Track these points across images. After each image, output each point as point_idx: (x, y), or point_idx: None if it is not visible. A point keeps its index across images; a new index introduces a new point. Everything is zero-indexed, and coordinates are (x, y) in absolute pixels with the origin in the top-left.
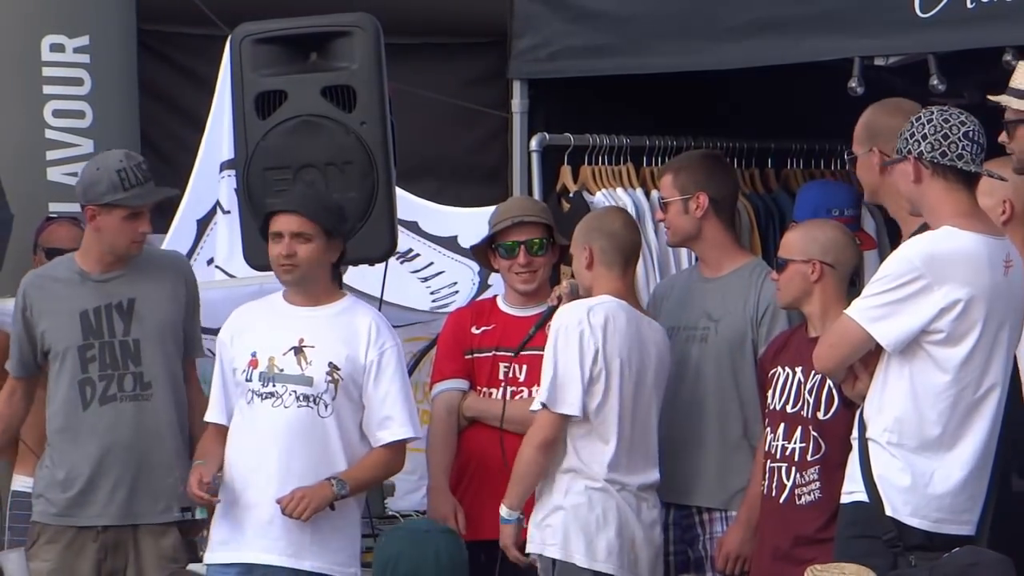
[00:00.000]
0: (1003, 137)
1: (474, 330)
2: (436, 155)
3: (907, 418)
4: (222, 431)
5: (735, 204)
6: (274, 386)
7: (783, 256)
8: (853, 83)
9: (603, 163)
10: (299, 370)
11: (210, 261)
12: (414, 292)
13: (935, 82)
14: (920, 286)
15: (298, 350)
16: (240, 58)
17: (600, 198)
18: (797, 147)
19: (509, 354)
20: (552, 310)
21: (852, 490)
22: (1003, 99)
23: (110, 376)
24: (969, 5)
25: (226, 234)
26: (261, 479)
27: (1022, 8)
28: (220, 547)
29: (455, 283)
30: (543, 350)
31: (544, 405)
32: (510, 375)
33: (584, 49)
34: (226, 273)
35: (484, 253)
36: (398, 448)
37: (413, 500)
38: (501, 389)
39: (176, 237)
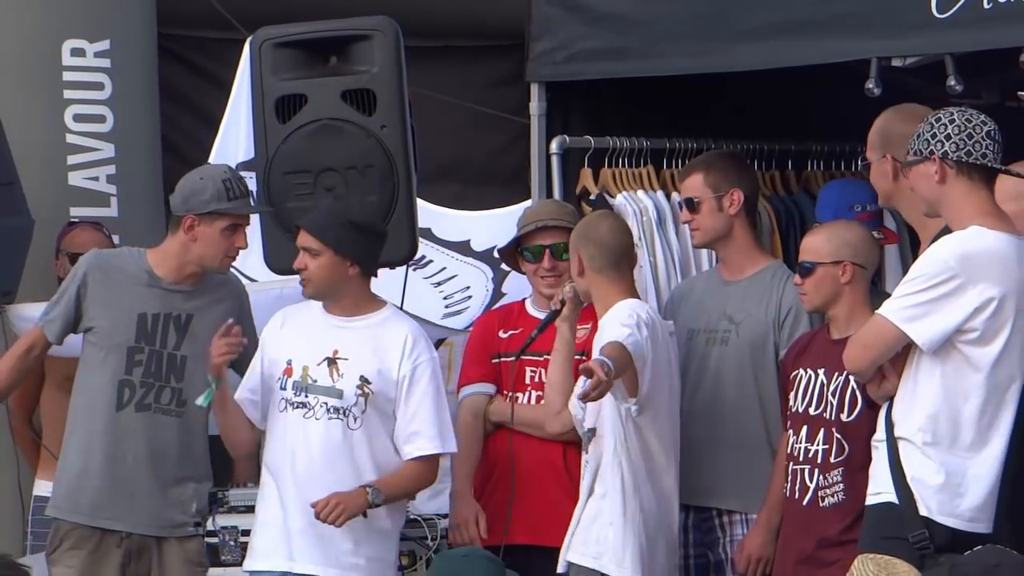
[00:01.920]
0: None
1: (501, 334)
2: (458, 158)
3: (941, 417)
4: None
5: (757, 205)
6: (306, 396)
7: (810, 260)
8: (870, 84)
9: (623, 165)
10: (330, 382)
11: None
12: (427, 299)
13: (952, 83)
14: (955, 285)
15: (331, 361)
16: (260, 62)
17: (621, 200)
18: (817, 149)
19: (536, 358)
20: (555, 314)
21: (880, 491)
22: None
23: (151, 385)
24: (986, 5)
25: None
26: (293, 489)
27: None
28: (257, 556)
29: (468, 287)
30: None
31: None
32: (536, 379)
33: (601, 51)
34: (240, 273)
35: (512, 256)
36: (429, 462)
37: (437, 503)
38: (527, 393)
39: None
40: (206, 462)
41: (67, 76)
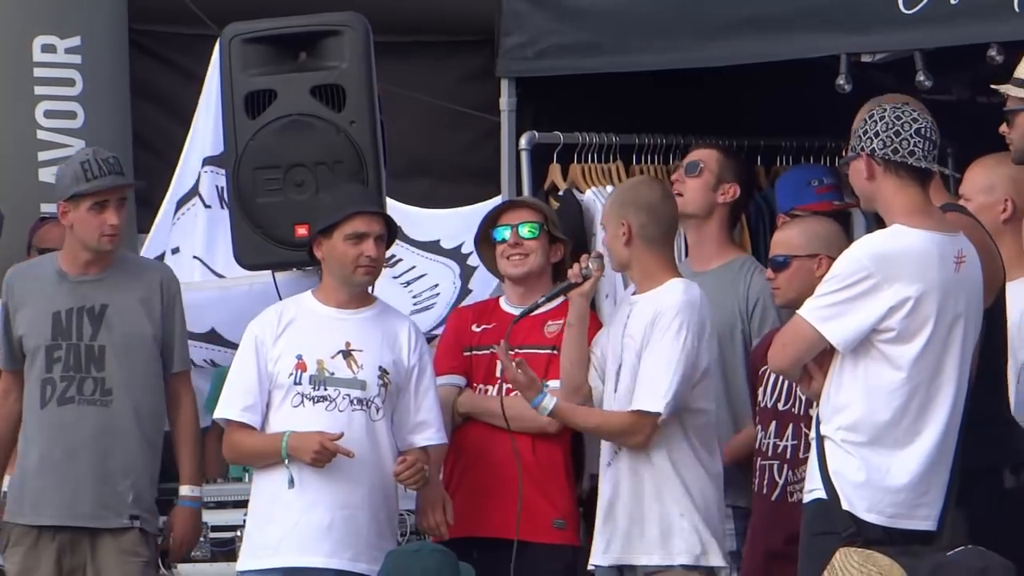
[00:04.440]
0: (1004, 127)
1: (475, 328)
2: (429, 154)
3: (861, 415)
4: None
5: (740, 215)
6: (326, 389)
7: (784, 253)
8: (840, 80)
9: (592, 161)
10: (351, 374)
11: (176, 250)
12: (395, 298)
13: (921, 78)
14: (869, 285)
15: (346, 354)
16: (229, 58)
17: (590, 196)
18: (787, 144)
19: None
20: (571, 286)
21: (812, 488)
22: (1005, 88)
23: (71, 378)
24: (953, 1)
25: (204, 227)
26: (321, 483)
27: (1006, 4)
28: (265, 552)
29: (436, 285)
30: (539, 349)
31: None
32: None
33: (572, 47)
34: (207, 266)
35: (484, 247)
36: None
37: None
38: (497, 386)
39: (158, 231)
40: (149, 454)
41: (38, 72)
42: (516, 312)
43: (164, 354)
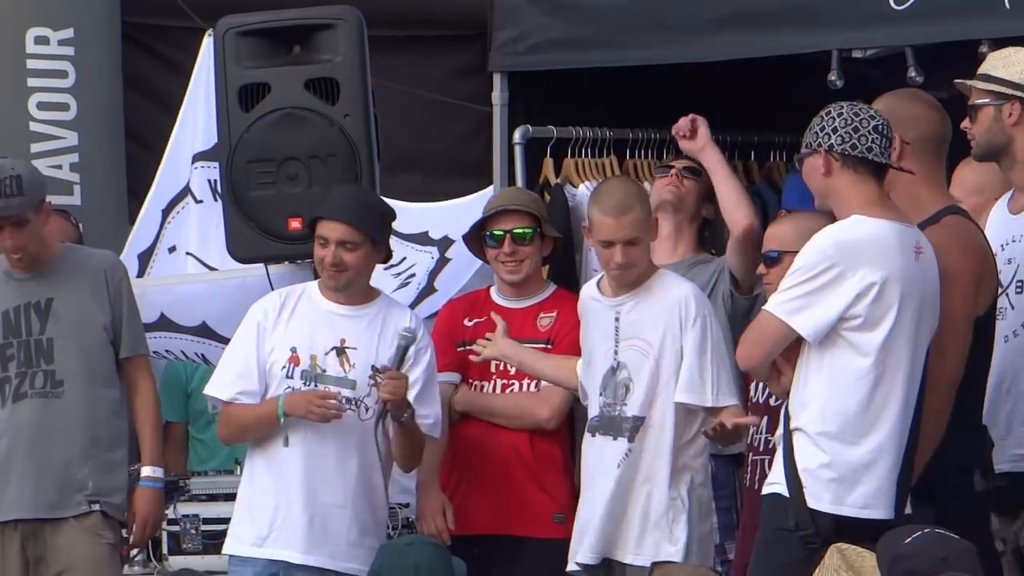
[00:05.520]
0: (965, 123)
1: (467, 322)
2: (420, 148)
3: (830, 406)
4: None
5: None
6: (316, 387)
7: (776, 249)
8: (832, 76)
9: (586, 155)
10: (342, 372)
11: (172, 249)
12: (381, 280)
13: (913, 74)
14: (834, 274)
15: (340, 351)
16: (223, 51)
17: (583, 191)
18: (780, 140)
19: None
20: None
21: (772, 481)
22: (972, 82)
23: (23, 373)
24: None
25: (197, 223)
26: (302, 481)
27: (996, 1)
28: (252, 542)
29: (413, 264)
30: (534, 343)
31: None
32: (502, 368)
33: (564, 41)
34: (200, 261)
35: (476, 243)
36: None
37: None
38: (493, 382)
39: (143, 226)
40: (109, 440)
41: (31, 64)
42: (507, 305)
43: (115, 341)
